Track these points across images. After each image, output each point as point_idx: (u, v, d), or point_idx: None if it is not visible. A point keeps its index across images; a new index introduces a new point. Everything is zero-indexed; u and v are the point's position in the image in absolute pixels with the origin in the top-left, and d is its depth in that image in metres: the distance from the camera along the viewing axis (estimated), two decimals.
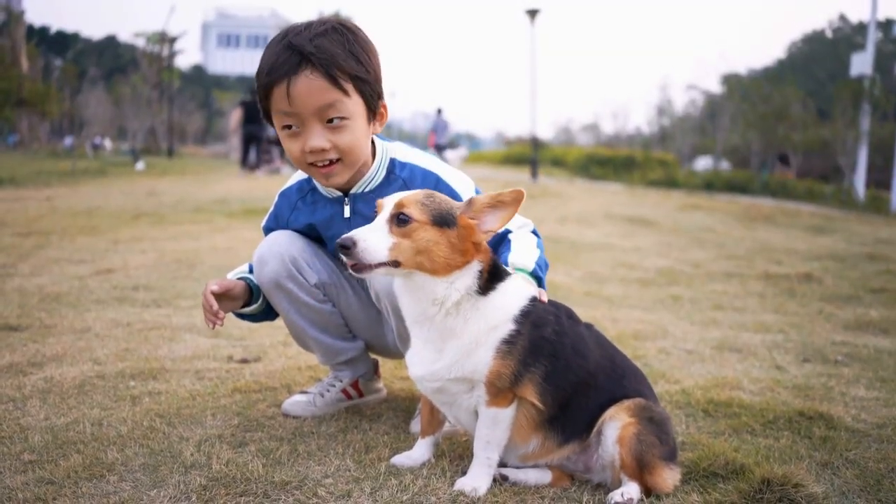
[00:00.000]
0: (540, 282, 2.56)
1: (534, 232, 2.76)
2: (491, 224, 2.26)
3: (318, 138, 2.55)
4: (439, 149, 29.04)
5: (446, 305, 2.24)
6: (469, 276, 2.24)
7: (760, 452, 2.68)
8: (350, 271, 2.18)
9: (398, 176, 2.74)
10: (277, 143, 22.74)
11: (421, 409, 2.65)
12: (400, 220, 2.16)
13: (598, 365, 2.39)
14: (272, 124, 2.67)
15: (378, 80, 2.64)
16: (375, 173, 2.73)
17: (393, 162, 2.77)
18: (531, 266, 2.56)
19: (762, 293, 6.34)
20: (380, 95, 2.66)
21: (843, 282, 6.92)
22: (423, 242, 2.16)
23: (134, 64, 52.02)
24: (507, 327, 2.27)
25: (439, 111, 29.84)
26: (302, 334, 2.95)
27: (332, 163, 2.61)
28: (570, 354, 2.34)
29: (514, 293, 2.32)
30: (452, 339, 2.27)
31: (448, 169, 2.79)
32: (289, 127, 2.58)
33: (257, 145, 24.35)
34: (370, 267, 2.14)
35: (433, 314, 2.26)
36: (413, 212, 2.16)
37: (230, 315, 2.85)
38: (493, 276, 2.29)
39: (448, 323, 2.26)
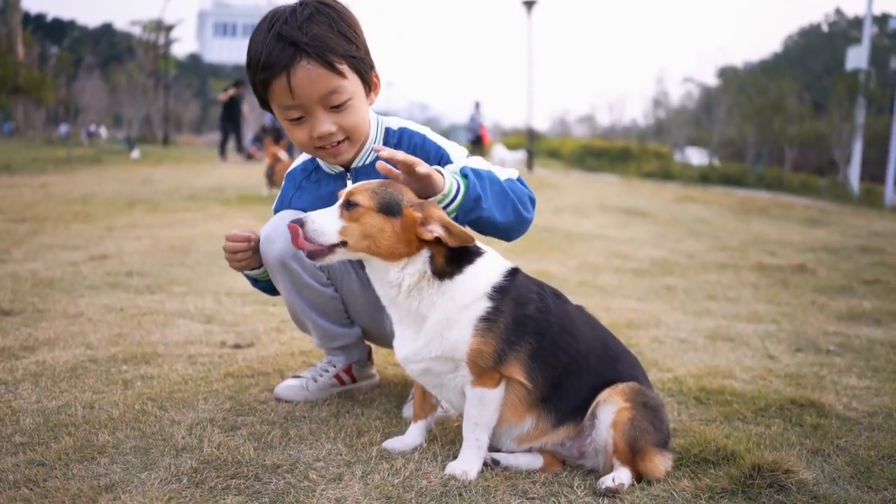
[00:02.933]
0: (466, 178, 2.41)
1: (518, 179, 2.63)
2: (436, 232, 2.24)
3: (325, 124, 2.56)
4: (474, 143, 28.57)
5: (402, 288, 2.30)
6: (419, 262, 2.29)
7: (751, 439, 2.68)
8: (307, 258, 2.29)
9: (391, 143, 2.76)
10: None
11: (413, 394, 2.66)
12: (349, 205, 2.25)
13: (589, 346, 2.40)
14: (271, 111, 2.68)
15: (367, 52, 2.64)
16: (373, 144, 2.74)
17: (388, 131, 2.79)
18: (460, 166, 2.48)
19: (756, 284, 6.35)
20: (371, 66, 2.66)
21: (837, 273, 6.94)
22: (369, 227, 2.24)
23: (130, 52, 51.83)
24: (483, 305, 2.29)
25: (477, 105, 28.72)
26: (301, 316, 2.95)
27: (339, 143, 2.64)
28: (558, 332, 2.35)
29: (485, 272, 2.33)
30: (425, 321, 2.31)
31: (438, 136, 2.80)
32: (294, 119, 2.59)
33: (226, 138, 24.65)
34: (322, 251, 2.25)
35: (394, 296, 2.33)
36: (361, 198, 2.24)
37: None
38: (455, 261, 2.30)
39: (412, 305, 2.32)
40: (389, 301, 2.38)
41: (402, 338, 2.39)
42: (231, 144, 25.34)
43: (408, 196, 2.29)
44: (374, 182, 2.31)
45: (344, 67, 2.52)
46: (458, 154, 2.72)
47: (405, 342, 2.38)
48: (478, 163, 2.65)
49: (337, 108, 2.56)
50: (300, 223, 2.23)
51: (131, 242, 6.94)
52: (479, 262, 2.34)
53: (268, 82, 2.53)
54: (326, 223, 2.24)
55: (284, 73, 2.48)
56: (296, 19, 2.48)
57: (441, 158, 2.69)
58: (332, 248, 2.26)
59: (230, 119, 24.36)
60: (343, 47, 2.51)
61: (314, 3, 2.54)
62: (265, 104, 2.66)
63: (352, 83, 2.56)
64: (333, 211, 2.27)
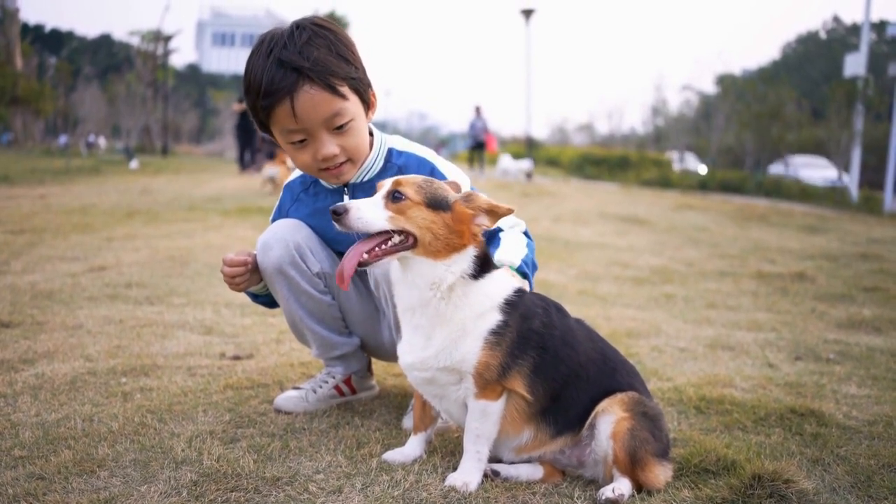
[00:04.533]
0: (526, 278, 2.60)
1: (525, 233, 2.79)
2: (483, 224, 2.32)
3: (329, 146, 2.60)
4: (475, 150, 28.37)
5: (442, 289, 2.27)
6: (465, 260, 2.29)
7: (752, 449, 2.68)
8: (365, 257, 2.21)
9: (395, 164, 2.79)
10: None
11: (413, 405, 2.66)
12: (395, 197, 2.22)
13: (588, 357, 2.40)
14: (270, 134, 2.70)
15: (364, 71, 2.67)
16: (374, 162, 2.78)
17: (391, 151, 2.82)
18: (517, 262, 2.60)
19: (755, 292, 6.34)
20: (369, 84, 2.70)
21: (836, 281, 6.93)
22: (419, 220, 2.21)
23: (129, 62, 52.01)
24: (494, 317, 2.29)
25: (477, 109, 28.50)
26: (299, 324, 2.95)
27: (342, 164, 2.67)
28: (560, 346, 2.35)
29: (501, 283, 2.35)
30: (442, 325, 2.29)
31: (445, 161, 2.84)
32: (297, 141, 2.61)
33: (244, 150, 24.65)
34: (378, 253, 2.20)
35: (429, 298, 2.29)
36: (407, 191, 2.23)
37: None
38: (483, 265, 2.33)
39: (441, 308, 2.29)
40: (419, 305, 2.31)
41: (410, 344, 2.37)
42: (236, 155, 25.32)
43: (451, 191, 2.33)
44: (418, 177, 2.31)
45: (345, 89, 2.56)
46: (464, 185, 2.72)
47: (413, 349, 2.35)
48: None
49: (339, 129, 2.59)
50: (341, 210, 2.16)
51: (130, 253, 6.94)
52: (496, 273, 2.37)
53: (270, 108, 2.54)
54: (371, 212, 2.19)
55: (288, 99, 2.50)
56: (294, 43, 2.50)
57: None
58: (389, 250, 2.22)
59: (245, 130, 24.33)
60: (343, 69, 2.55)
61: (310, 25, 2.56)
62: (265, 128, 2.67)
63: (353, 104, 2.60)
64: (376, 201, 2.22)
